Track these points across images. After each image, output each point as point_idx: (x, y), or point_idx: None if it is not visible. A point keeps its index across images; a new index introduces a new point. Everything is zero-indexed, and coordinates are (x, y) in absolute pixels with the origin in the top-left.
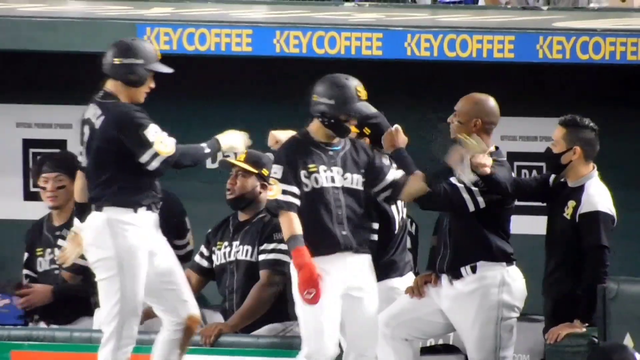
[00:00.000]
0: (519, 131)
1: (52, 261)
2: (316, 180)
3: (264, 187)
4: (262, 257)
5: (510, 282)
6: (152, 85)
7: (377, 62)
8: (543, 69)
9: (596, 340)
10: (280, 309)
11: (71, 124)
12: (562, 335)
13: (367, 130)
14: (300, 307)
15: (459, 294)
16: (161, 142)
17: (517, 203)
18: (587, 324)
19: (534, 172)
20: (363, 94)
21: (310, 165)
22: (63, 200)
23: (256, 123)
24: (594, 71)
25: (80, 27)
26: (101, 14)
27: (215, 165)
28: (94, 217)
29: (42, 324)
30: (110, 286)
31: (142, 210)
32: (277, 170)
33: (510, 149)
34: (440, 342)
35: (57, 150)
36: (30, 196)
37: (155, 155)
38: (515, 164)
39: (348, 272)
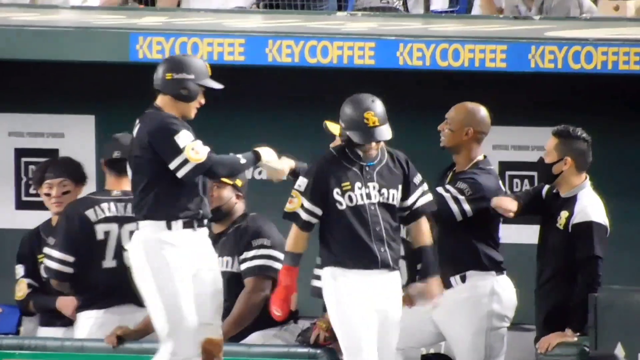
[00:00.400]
0: (511, 140)
1: None
2: (350, 199)
3: (238, 197)
4: (244, 266)
5: (500, 291)
6: (203, 101)
7: (370, 71)
8: (535, 78)
9: (587, 349)
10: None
11: (63, 133)
12: (553, 344)
13: None
14: (338, 327)
15: (449, 304)
16: (192, 149)
17: None
18: (578, 334)
19: (526, 182)
20: (371, 120)
21: (344, 184)
22: None
23: (249, 132)
24: (586, 81)
25: (73, 36)
26: (94, 23)
27: None
28: (134, 237)
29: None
30: (154, 308)
31: (177, 226)
32: (301, 184)
33: (502, 159)
34: (432, 351)
35: (49, 158)
36: (21, 205)
37: (185, 162)
38: (507, 173)
39: (379, 292)
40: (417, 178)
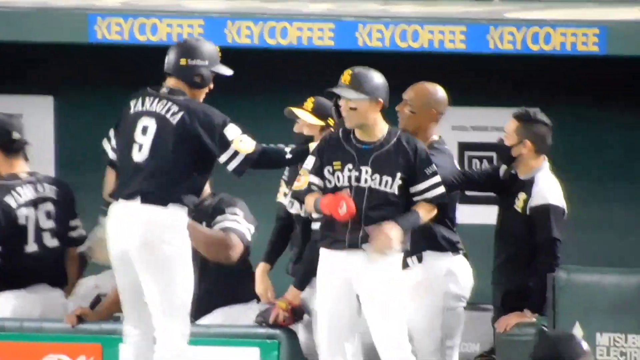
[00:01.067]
0: (469, 121)
1: None
2: (338, 179)
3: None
4: (217, 226)
5: (456, 271)
6: (212, 86)
7: (329, 52)
8: (494, 59)
9: (545, 329)
10: (234, 290)
11: (22, 113)
12: (511, 324)
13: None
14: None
15: (405, 284)
16: (240, 141)
17: (467, 193)
18: (537, 314)
19: (485, 162)
20: (343, 77)
21: (336, 163)
22: None
23: None
24: (545, 62)
25: (32, 16)
26: (52, 3)
27: None
28: (158, 212)
29: None
30: (169, 288)
31: (186, 213)
32: (309, 162)
33: (461, 139)
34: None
35: None
36: None
37: (235, 154)
38: (467, 153)
39: (353, 271)
40: (430, 168)
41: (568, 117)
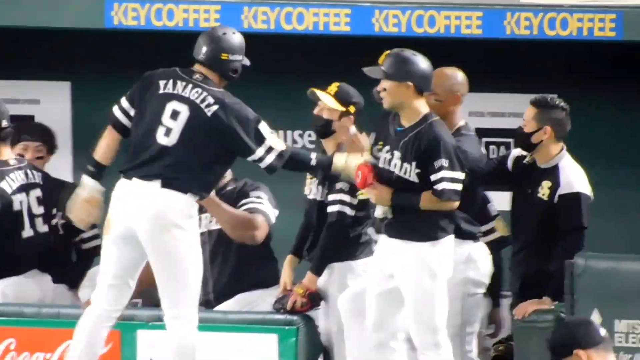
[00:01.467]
0: (487, 107)
1: None
2: (379, 159)
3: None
4: (242, 208)
5: (476, 258)
6: None
7: (345, 38)
8: (511, 45)
9: (564, 315)
10: (265, 273)
11: (39, 99)
12: (529, 311)
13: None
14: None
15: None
16: (274, 138)
17: None
18: (556, 301)
19: (502, 148)
20: (381, 58)
21: (380, 143)
22: None
23: None
24: (563, 47)
25: (48, 2)
26: None
27: None
28: (177, 198)
29: None
30: (184, 275)
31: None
32: (370, 139)
33: (478, 125)
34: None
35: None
36: None
37: (270, 149)
38: (484, 140)
39: (384, 256)
40: (439, 162)
41: (585, 103)
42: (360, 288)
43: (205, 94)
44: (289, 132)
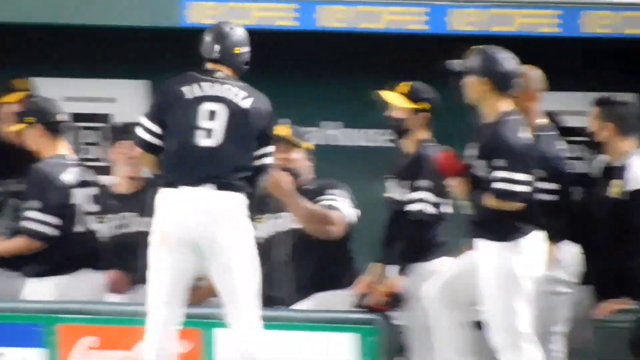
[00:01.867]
0: (560, 106)
1: None
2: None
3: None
4: (319, 204)
5: (563, 257)
6: None
7: (421, 36)
8: (587, 43)
9: None
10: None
11: (115, 97)
12: (610, 310)
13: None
14: None
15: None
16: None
17: None
18: (637, 301)
19: (575, 147)
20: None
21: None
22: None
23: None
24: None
25: (124, 1)
26: None
27: None
28: (235, 199)
29: None
30: (254, 269)
31: None
32: None
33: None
34: None
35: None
36: None
37: (270, 150)
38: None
39: None
40: (497, 161)
41: None
42: (449, 275)
43: (236, 88)
44: (369, 131)
